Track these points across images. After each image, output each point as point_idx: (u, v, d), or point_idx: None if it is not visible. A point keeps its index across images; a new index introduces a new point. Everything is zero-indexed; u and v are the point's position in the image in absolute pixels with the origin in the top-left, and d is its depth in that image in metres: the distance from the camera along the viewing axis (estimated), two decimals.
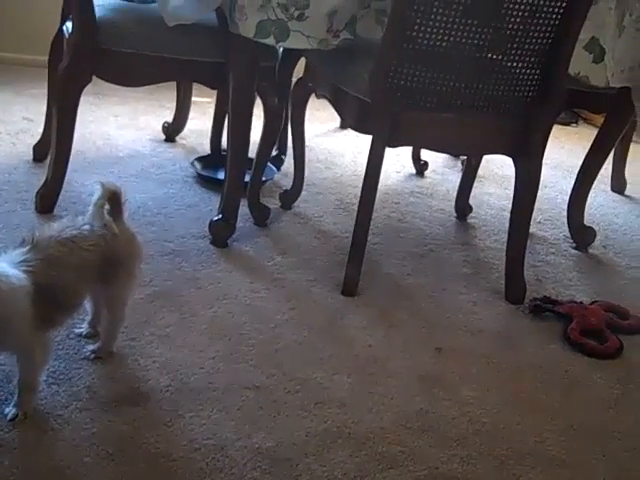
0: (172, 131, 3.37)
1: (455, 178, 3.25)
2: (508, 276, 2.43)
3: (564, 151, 3.97)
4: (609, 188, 3.53)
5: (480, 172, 3.09)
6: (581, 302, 2.38)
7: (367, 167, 2.23)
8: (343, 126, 3.80)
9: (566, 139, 4.18)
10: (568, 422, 1.88)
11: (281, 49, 2.68)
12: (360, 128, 2.32)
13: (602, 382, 2.08)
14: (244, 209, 2.62)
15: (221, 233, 2.49)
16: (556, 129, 4.04)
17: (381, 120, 2.19)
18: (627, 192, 3.53)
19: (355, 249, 2.30)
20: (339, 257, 2.47)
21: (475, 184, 3.05)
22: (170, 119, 3.39)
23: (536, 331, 2.28)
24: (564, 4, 2.14)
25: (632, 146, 3.47)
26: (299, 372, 1.90)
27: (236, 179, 2.50)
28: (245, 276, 2.32)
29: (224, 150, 2.73)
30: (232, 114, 2.45)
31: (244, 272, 2.34)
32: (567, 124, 4.44)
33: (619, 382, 2.09)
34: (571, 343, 2.20)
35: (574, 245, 2.87)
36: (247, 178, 2.62)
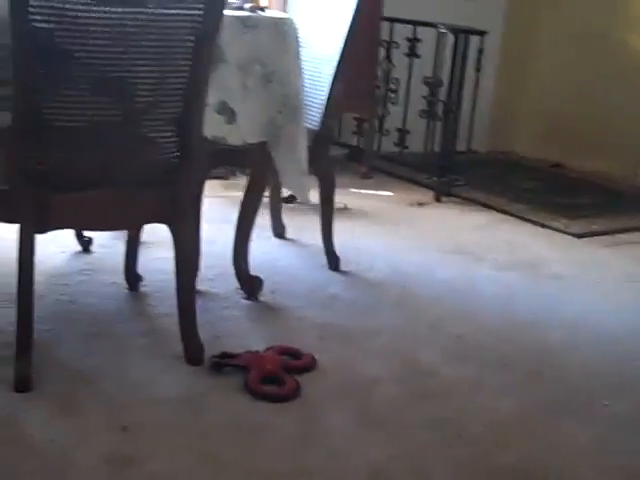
0: None
1: (123, 249, 3.23)
2: (184, 339, 2.45)
3: (229, 203, 4.07)
4: (271, 234, 3.71)
5: (148, 238, 3.08)
6: (257, 351, 2.47)
7: (19, 258, 2.15)
8: None
9: (227, 192, 4.32)
10: (258, 469, 1.95)
11: None
12: (4, 217, 2.24)
13: (287, 424, 2.17)
14: None
15: None
16: (217, 184, 4.21)
17: (25, 208, 2.13)
18: (288, 235, 3.74)
19: (21, 343, 2.20)
20: (5, 353, 2.34)
21: (144, 250, 3.04)
22: None
23: (219, 388, 2.32)
24: (186, 74, 2.25)
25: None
26: None
27: None
28: None
29: None
30: None
31: None
32: (226, 178, 4.60)
33: (302, 421, 2.20)
34: (252, 393, 2.28)
35: (245, 296, 2.98)
36: None
